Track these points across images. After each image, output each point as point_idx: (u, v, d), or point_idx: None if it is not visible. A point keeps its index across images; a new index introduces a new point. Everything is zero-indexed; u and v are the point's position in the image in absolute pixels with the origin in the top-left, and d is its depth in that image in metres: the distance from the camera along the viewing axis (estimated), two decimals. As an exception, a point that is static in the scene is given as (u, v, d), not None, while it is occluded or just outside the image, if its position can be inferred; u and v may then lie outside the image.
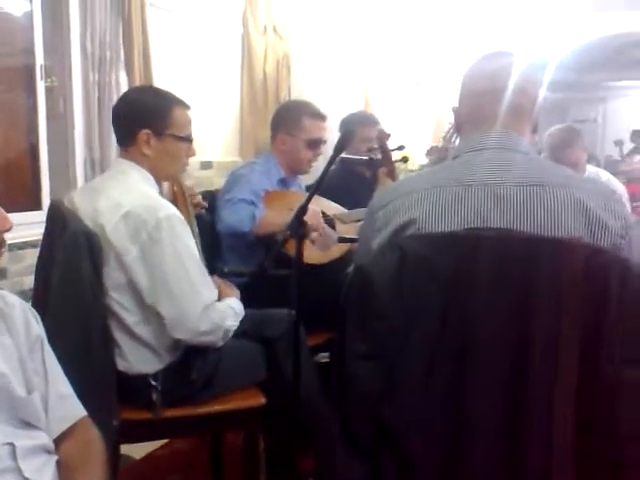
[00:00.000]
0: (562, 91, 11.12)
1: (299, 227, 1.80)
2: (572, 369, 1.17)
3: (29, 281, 3.04)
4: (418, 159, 5.40)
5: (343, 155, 2.81)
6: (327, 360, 2.70)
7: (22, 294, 3.01)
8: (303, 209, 1.79)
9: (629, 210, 1.38)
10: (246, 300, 2.10)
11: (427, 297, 1.23)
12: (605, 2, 6.15)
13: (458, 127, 1.51)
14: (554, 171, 1.34)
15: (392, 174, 2.54)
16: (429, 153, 5.59)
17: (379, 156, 2.66)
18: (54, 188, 3.42)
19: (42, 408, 1.20)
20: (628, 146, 11.91)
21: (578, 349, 1.20)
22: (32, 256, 3.15)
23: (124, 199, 1.80)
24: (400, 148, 2.93)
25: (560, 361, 1.18)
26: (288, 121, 2.81)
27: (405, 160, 2.96)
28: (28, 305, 1.26)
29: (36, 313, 1.26)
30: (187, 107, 2.02)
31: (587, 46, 7.49)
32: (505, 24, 6.51)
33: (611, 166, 10.04)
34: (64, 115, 3.48)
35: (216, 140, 4.81)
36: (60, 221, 1.80)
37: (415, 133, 6.30)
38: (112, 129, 3.30)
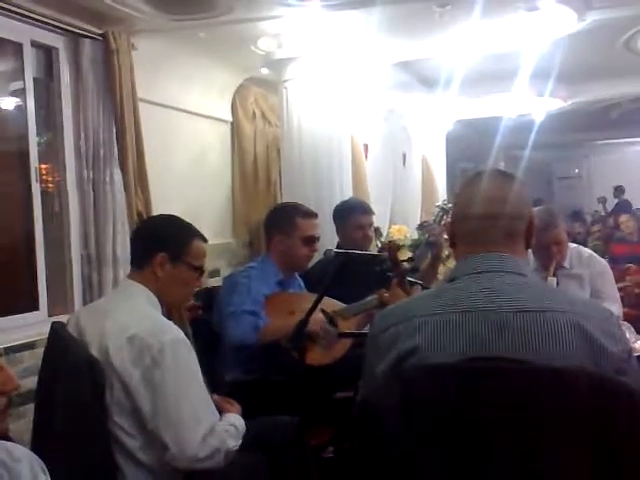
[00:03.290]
0: (546, 150, 11.35)
1: (301, 339, 1.82)
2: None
3: (25, 384, 3.01)
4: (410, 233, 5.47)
5: (341, 250, 2.86)
6: (332, 455, 2.69)
7: (19, 397, 2.97)
8: (304, 322, 1.81)
9: (626, 333, 1.40)
10: (249, 408, 2.08)
11: (432, 431, 1.24)
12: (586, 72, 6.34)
13: (452, 244, 1.54)
14: (552, 295, 1.36)
15: (402, 284, 2.60)
16: (420, 228, 5.69)
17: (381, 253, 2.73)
18: (51, 287, 3.42)
19: None
20: (611, 202, 12.18)
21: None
22: (29, 358, 3.13)
23: (130, 322, 1.82)
24: (410, 260, 3.03)
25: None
26: (282, 223, 2.88)
27: (411, 260, 3.05)
28: (35, 457, 1.25)
29: (43, 465, 1.25)
30: (205, 240, 2.10)
31: (569, 109, 7.69)
32: (490, 98, 6.69)
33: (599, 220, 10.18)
34: (59, 214, 3.52)
35: (209, 223, 4.85)
36: (61, 345, 1.80)
37: (406, 209, 6.40)
38: (108, 225, 3.48)
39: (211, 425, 1.84)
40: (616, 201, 11.86)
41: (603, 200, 12.22)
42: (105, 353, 1.79)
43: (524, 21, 4.01)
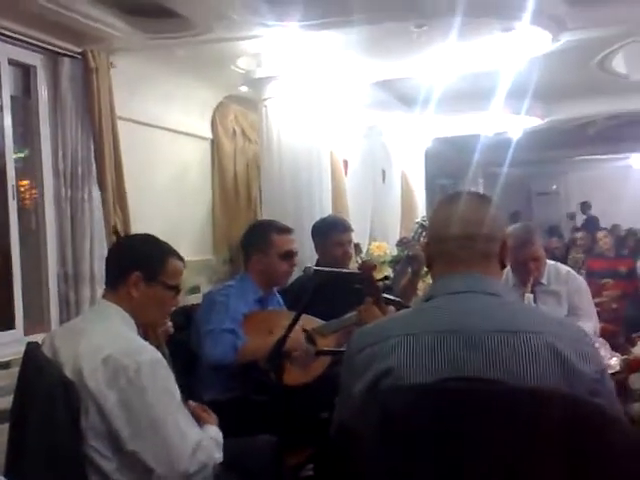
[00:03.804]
0: (524, 167, 11.48)
1: (278, 359, 1.82)
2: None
3: (0, 403, 2.97)
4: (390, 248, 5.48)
5: (320, 268, 2.87)
6: (311, 473, 2.68)
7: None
8: (282, 342, 1.81)
9: (600, 352, 1.42)
10: (225, 429, 2.07)
11: (408, 452, 1.25)
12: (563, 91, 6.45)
13: (429, 264, 1.55)
14: (526, 316, 1.38)
15: (378, 303, 2.61)
16: (399, 244, 5.71)
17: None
18: (27, 305, 3.39)
19: None
20: (580, 218, 12.40)
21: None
22: (4, 378, 3.08)
23: (104, 343, 1.80)
24: (386, 278, 3.04)
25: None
26: (258, 241, 2.89)
27: (386, 278, 3.07)
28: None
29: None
30: (182, 259, 2.08)
31: (546, 127, 7.80)
32: (468, 116, 6.77)
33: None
34: (36, 231, 3.50)
35: (189, 239, 4.85)
36: (36, 367, 1.78)
37: (385, 224, 6.43)
38: (85, 243, 3.46)
39: (197, 440, 1.83)
40: (584, 217, 12.13)
41: (572, 216, 12.49)
42: (79, 375, 1.77)
43: (500, 41, 4.07)
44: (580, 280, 3.34)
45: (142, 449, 1.75)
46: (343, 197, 5.50)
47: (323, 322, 2.81)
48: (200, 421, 1.98)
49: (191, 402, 2.04)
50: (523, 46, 4.20)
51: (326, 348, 2.64)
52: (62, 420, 1.69)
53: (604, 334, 3.30)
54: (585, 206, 12.32)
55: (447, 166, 10.86)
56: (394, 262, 4.94)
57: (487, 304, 1.38)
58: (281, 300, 3.00)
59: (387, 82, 5.40)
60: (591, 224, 11.02)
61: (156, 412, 1.76)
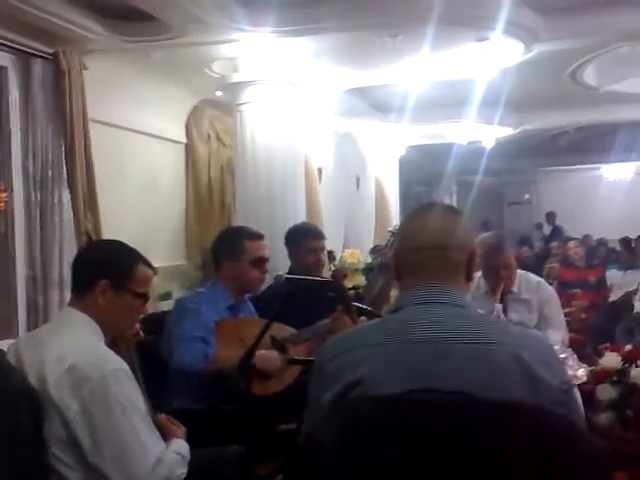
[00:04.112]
0: (497, 176, 11.61)
1: (248, 369, 1.80)
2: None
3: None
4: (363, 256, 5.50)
5: (291, 276, 2.86)
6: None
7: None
8: (251, 352, 1.79)
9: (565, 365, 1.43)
10: (194, 438, 2.05)
11: (376, 463, 1.24)
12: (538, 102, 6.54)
13: (397, 275, 1.55)
14: (492, 327, 1.38)
15: (349, 311, 2.61)
16: (373, 252, 5.74)
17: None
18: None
19: None
20: (548, 228, 12.64)
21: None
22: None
23: (69, 352, 1.76)
24: (355, 288, 3.04)
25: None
26: (230, 248, 2.86)
27: (355, 288, 3.07)
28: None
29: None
30: (151, 267, 2.03)
31: (518, 137, 7.90)
32: (442, 125, 6.82)
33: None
34: (5, 234, 3.44)
35: (161, 244, 4.81)
36: (0, 374, 1.74)
37: (359, 232, 6.45)
38: (55, 247, 3.41)
39: (159, 455, 1.80)
40: (551, 227, 12.42)
41: (539, 226, 12.74)
42: (43, 383, 1.74)
43: (474, 51, 4.11)
44: (550, 290, 3.38)
45: (102, 461, 1.72)
46: (317, 204, 5.50)
47: (295, 330, 2.79)
48: (167, 434, 1.95)
49: (159, 415, 2.00)
50: (496, 56, 4.25)
51: (298, 357, 2.63)
52: (26, 428, 1.65)
53: (572, 344, 3.33)
54: (551, 216, 12.60)
55: (421, 174, 10.94)
56: (367, 270, 4.96)
57: (454, 315, 1.38)
58: (253, 308, 2.98)
59: (362, 89, 5.42)
60: (557, 234, 11.28)
61: (117, 424, 1.72)
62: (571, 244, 7.31)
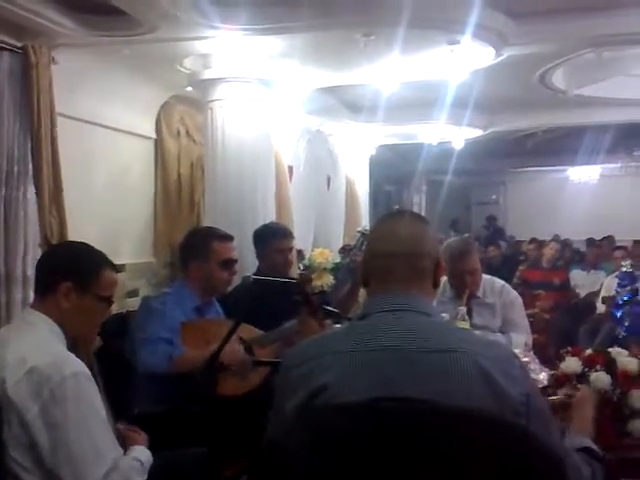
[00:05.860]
0: (466, 176, 11.72)
1: (213, 371, 1.80)
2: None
3: None
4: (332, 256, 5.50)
5: (257, 277, 2.86)
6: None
7: None
8: (217, 354, 1.79)
9: (529, 375, 1.44)
10: (158, 440, 2.04)
11: (340, 470, 1.26)
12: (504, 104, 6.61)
13: (365, 281, 1.56)
14: (456, 335, 1.40)
15: (314, 315, 2.62)
16: (342, 251, 5.75)
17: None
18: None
19: None
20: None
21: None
22: None
23: (29, 354, 1.74)
24: (322, 292, 3.04)
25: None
26: (198, 248, 2.83)
27: (323, 293, 3.07)
28: None
29: None
30: (116, 270, 2.01)
31: (487, 138, 7.98)
32: (412, 126, 6.86)
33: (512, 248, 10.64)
34: (-33, 230, 3.37)
35: (129, 241, 4.76)
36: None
37: (329, 231, 6.46)
38: (19, 244, 3.36)
39: (114, 461, 1.78)
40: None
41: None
42: (2, 385, 1.71)
43: (445, 53, 4.15)
44: (514, 294, 3.42)
45: (57, 465, 1.70)
46: (287, 202, 5.50)
47: (262, 332, 2.79)
48: (128, 443, 1.93)
49: (119, 425, 1.98)
50: (467, 59, 4.29)
51: (264, 359, 2.63)
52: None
53: (535, 346, 3.38)
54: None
55: (391, 173, 11.00)
56: (336, 269, 4.96)
57: (420, 323, 1.39)
58: (220, 309, 2.96)
59: (334, 88, 5.43)
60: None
61: (74, 428, 1.70)
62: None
